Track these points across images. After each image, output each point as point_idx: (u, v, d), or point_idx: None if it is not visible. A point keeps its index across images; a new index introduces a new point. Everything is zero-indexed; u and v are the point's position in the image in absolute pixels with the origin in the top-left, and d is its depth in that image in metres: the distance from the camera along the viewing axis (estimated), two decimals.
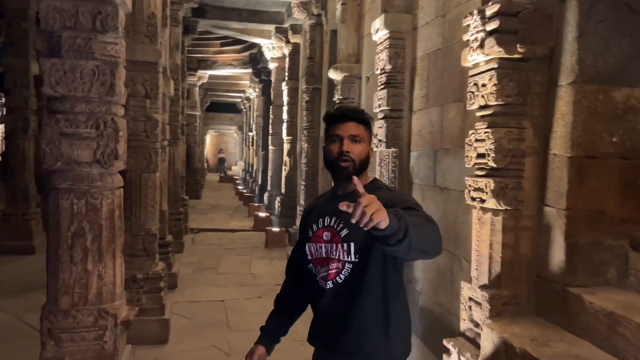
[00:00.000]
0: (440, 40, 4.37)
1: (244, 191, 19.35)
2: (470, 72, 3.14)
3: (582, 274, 2.66)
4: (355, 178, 1.44)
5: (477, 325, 3.03)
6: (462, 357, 3.06)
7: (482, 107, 3.02)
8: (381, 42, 5.06)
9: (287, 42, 11.30)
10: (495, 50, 2.83)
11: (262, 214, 11.82)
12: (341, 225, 1.80)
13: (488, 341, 2.78)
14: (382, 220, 1.32)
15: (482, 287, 3.00)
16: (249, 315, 5.43)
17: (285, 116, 11.22)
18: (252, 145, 22.77)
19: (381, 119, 5.02)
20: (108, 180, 2.67)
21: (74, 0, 2.56)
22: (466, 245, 3.47)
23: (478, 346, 2.95)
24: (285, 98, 11.36)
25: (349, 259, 1.77)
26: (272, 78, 13.62)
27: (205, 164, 33.09)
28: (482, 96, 2.99)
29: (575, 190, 2.66)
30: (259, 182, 17.27)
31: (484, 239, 3.03)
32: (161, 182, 6.24)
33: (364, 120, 1.88)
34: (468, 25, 3.08)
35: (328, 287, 1.80)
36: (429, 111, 4.59)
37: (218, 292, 6.41)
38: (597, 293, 2.56)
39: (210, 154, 40.38)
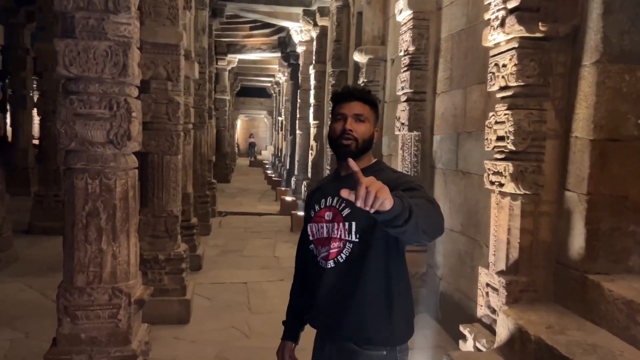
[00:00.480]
0: (464, 20, 4.25)
1: (273, 175, 19.41)
2: (491, 52, 3.05)
3: (603, 261, 2.58)
4: (350, 160, 1.41)
5: (493, 311, 2.97)
6: (477, 343, 3.01)
7: (502, 89, 2.93)
8: (405, 23, 4.96)
9: (315, 25, 11.21)
10: (516, 29, 2.73)
11: (288, 198, 11.85)
12: (343, 204, 1.77)
13: (503, 328, 2.72)
14: (387, 198, 1.29)
15: (499, 273, 2.94)
16: (270, 297, 5.46)
17: (312, 100, 11.17)
18: (281, 130, 22.81)
19: (404, 101, 4.93)
20: (122, 160, 2.69)
21: None
22: (487, 230, 3.40)
23: (494, 332, 2.89)
24: (312, 82, 11.31)
25: (350, 238, 1.75)
26: (300, 62, 13.56)
27: (236, 148, 33.35)
28: (503, 77, 2.90)
29: (598, 174, 2.56)
30: (287, 167, 17.30)
31: (502, 224, 2.95)
32: (186, 165, 6.31)
33: (370, 100, 1.86)
34: (489, 4, 2.98)
35: (329, 266, 1.78)
36: (452, 93, 4.49)
37: (241, 274, 6.45)
38: (618, 281, 2.48)
39: (241, 138, 40.64)
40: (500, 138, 2.91)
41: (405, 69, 4.92)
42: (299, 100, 13.32)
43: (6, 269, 6.14)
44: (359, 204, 1.29)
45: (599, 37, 2.55)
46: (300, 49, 13.46)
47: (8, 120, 13.58)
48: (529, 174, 2.80)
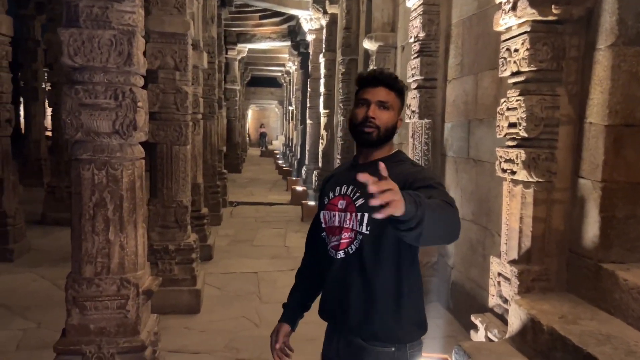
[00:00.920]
0: (475, 5, 4.17)
1: (283, 165, 19.42)
2: (503, 37, 2.98)
3: (617, 249, 2.52)
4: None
5: (505, 301, 2.93)
6: (489, 334, 2.97)
7: (514, 74, 2.87)
8: (415, 9, 4.88)
9: (325, 12, 11.11)
10: (528, 12, 2.66)
11: (299, 188, 11.83)
12: (357, 194, 1.71)
13: (515, 317, 2.68)
14: (397, 209, 1.23)
15: (511, 262, 2.89)
16: (280, 287, 5.45)
17: (322, 89, 11.10)
18: (292, 120, 22.77)
19: (414, 89, 4.86)
20: (128, 151, 2.67)
21: None
22: (499, 219, 3.35)
23: (506, 322, 2.85)
24: (322, 70, 11.23)
25: (361, 230, 1.70)
26: (310, 50, 13.47)
27: (247, 138, 33.35)
28: (515, 62, 2.83)
29: (612, 161, 2.50)
30: (298, 156, 17.28)
31: (514, 212, 2.90)
32: (196, 155, 6.30)
33: (397, 87, 1.76)
34: None
35: (339, 256, 1.74)
36: (463, 80, 4.41)
37: (251, 263, 6.45)
38: (633, 269, 2.42)
39: (252, 128, 40.65)
40: (512, 125, 2.85)
41: (416, 55, 4.84)
42: (309, 89, 13.26)
43: (19, 259, 6.20)
44: (371, 191, 1.23)
45: (614, 20, 2.47)
46: (310, 38, 13.36)
47: (21, 112, 13.67)
48: (542, 161, 2.74)
